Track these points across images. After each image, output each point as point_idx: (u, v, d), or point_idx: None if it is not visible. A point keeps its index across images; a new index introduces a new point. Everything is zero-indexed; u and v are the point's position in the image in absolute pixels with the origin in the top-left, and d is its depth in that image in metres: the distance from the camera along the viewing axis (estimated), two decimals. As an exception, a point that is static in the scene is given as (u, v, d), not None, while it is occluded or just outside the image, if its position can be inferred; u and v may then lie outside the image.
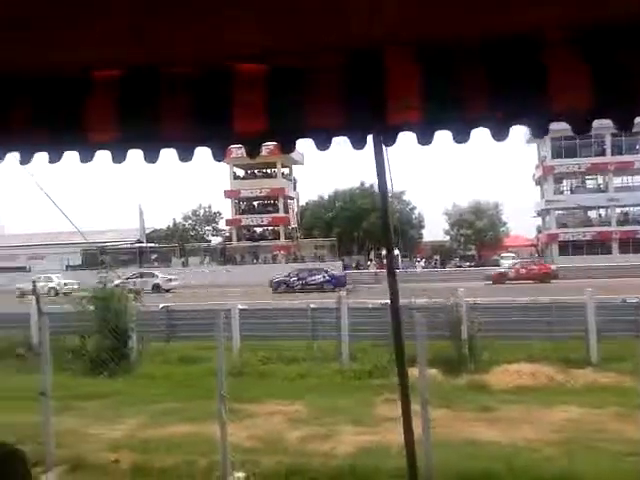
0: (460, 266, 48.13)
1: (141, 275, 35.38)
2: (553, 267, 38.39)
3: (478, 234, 52.06)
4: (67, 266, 47.42)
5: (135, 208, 51.77)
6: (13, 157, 2.30)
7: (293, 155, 45.59)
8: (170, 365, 12.79)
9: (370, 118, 1.93)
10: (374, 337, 13.16)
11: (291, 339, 14.10)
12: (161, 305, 16.55)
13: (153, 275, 38.48)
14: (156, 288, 35.87)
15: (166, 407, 9.45)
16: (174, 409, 9.29)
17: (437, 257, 52.56)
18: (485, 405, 9.01)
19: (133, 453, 7.05)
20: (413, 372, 4.90)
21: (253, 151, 2.18)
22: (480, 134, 1.95)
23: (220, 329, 6.71)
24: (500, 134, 1.88)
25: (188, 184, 79.20)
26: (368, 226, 51.00)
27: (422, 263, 48.62)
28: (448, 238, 54.77)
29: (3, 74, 2.10)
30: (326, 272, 36.74)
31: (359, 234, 52.63)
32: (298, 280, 35.99)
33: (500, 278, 35.78)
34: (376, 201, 51.65)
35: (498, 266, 42.08)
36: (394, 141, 1.98)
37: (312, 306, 15.48)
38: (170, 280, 38.41)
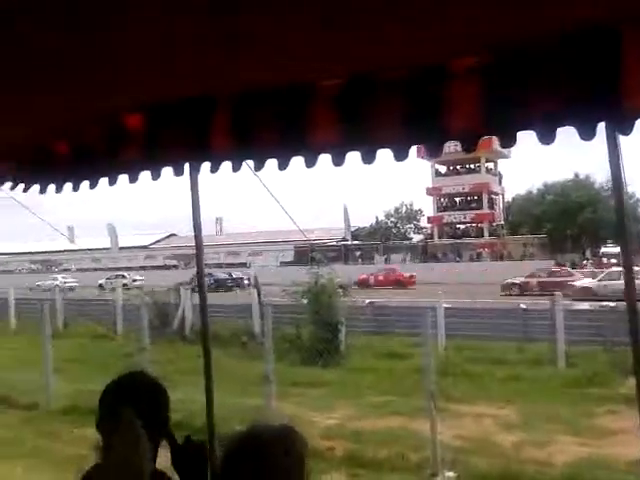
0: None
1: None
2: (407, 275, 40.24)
3: None
4: (281, 262, 51.07)
5: (340, 207, 53.87)
6: (246, 165, 2.55)
7: (498, 148, 43.76)
8: (377, 359, 13.13)
9: (603, 105, 1.78)
10: (593, 342, 12.13)
11: (497, 340, 13.60)
12: (367, 300, 17.08)
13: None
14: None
15: (375, 400, 9.72)
16: (383, 402, 9.53)
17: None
18: None
19: (346, 442, 7.38)
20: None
21: (470, 147, 2.13)
22: None
23: (427, 327, 6.73)
24: None
25: (390, 182, 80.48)
26: (583, 221, 47.05)
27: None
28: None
29: (240, 90, 2.34)
30: (211, 275, 39.10)
31: (573, 230, 48.77)
32: (190, 283, 38.31)
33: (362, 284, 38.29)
34: (592, 194, 47.46)
35: None
36: (631, 130, 1.81)
37: (522, 306, 14.77)
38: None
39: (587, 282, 28.62)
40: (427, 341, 6.69)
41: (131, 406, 1.57)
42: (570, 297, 21.65)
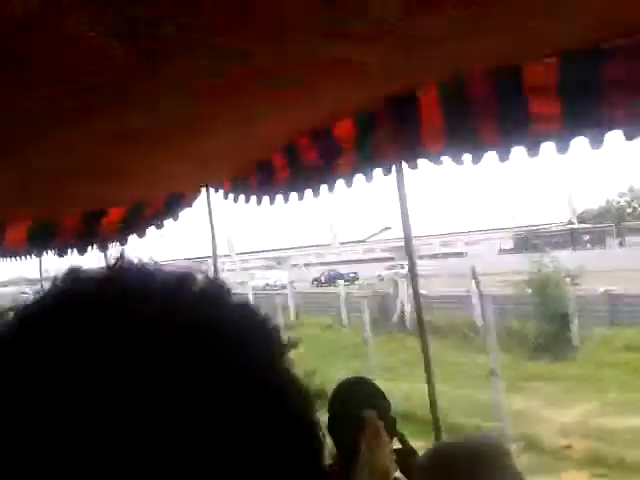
0: None
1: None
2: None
3: None
4: (499, 250, 49.04)
5: (562, 190, 49.90)
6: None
7: None
8: (616, 354, 11.91)
9: None
10: None
11: None
12: (601, 289, 15.56)
13: None
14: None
15: (618, 397, 8.84)
16: (628, 400, 8.61)
17: None
18: None
19: (587, 440, 6.84)
20: None
21: None
22: None
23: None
24: None
25: (622, 160, 72.05)
26: None
27: None
28: None
29: (451, 79, 2.27)
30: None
31: None
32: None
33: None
34: None
35: None
36: None
37: None
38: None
39: None
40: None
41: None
42: None
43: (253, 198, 3.00)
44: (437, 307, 16.58)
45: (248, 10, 1.45)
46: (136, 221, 3.60)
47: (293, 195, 2.78)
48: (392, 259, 52.05)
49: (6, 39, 1.37)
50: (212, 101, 2.10)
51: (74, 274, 0.39)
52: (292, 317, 20.18)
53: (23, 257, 4.49)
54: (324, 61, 1.90)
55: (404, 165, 2.58)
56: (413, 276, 3.14)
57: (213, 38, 1.42)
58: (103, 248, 3.89)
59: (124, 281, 0.40)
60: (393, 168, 2.57)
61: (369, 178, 2.62)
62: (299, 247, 54.29)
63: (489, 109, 2.17)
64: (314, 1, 1.39)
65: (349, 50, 1.82)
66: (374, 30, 1.65)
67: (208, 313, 0.39)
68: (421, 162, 2.44)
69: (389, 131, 2.49)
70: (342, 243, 55.38)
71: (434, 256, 49.34)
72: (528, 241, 35.17)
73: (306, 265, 55.06)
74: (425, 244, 49.68)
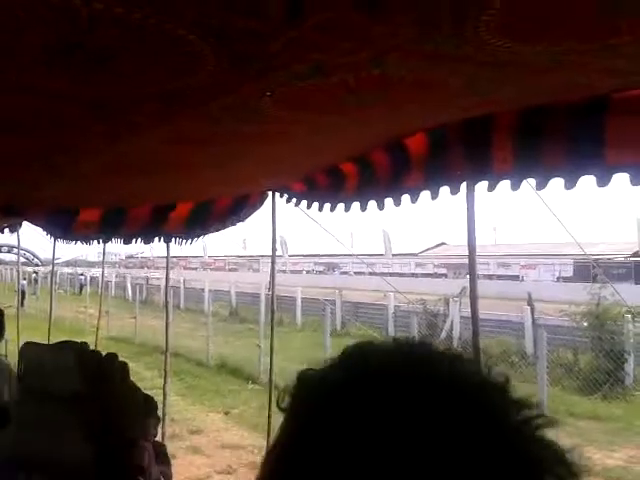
0: None
1: None
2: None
3: None
4: (558, 277, 47.48)
5: (631, 219, 47.87)
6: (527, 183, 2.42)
7: None
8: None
9: None
10: None
11: None
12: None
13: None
14: None
15: (671, 446, 8.43)
16: (677, 451, 8.21)
17: None
18: None
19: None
20: None
21: None
22: None
23: None
24: None
25: (696, 192, 68.48)
26: None
27: None
28: None
29: (523, 107, 2.23)
30: None
31: None
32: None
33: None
34: None
35: None
36: None
37: None
38: None
39: None
40: None
41: None
42: None
43: (325, 205, 3.00)
44: (486, 330, 16.19)
45: (348, 31, 1.46)
46: (202, 219, 3.69)
47: (360, 205, 2.77)
48: (445, 275, 51.35)
49: (99, 35, 1.41)
50: (293, 109, 2.12)
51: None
52: (338, 326, 20.11)
53: (90, 242, 4.68)
54: (412, 81, 1.89)
55: (475, 184, 2.56)
56: (473, 298, 3.08)
57: (313, 54, 1.43)
58: (167, 240, 4.02)
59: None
60: (462, 186, 2.55)
61: (435, 195, 2.60)
62: (351, 255, 54.10)
63: (562, 139, 2.12)
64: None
65: (440, 71, 1.81)
66: (471, 53, 1.64)
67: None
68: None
69: (460, 150, 2.46)
70: (395, 255, 54.79)
71: (489, 277, 48.21)
72: (590, 270, 33.87)
73: (356, 273, 54.89)
74: (482, 263, 48.55)
